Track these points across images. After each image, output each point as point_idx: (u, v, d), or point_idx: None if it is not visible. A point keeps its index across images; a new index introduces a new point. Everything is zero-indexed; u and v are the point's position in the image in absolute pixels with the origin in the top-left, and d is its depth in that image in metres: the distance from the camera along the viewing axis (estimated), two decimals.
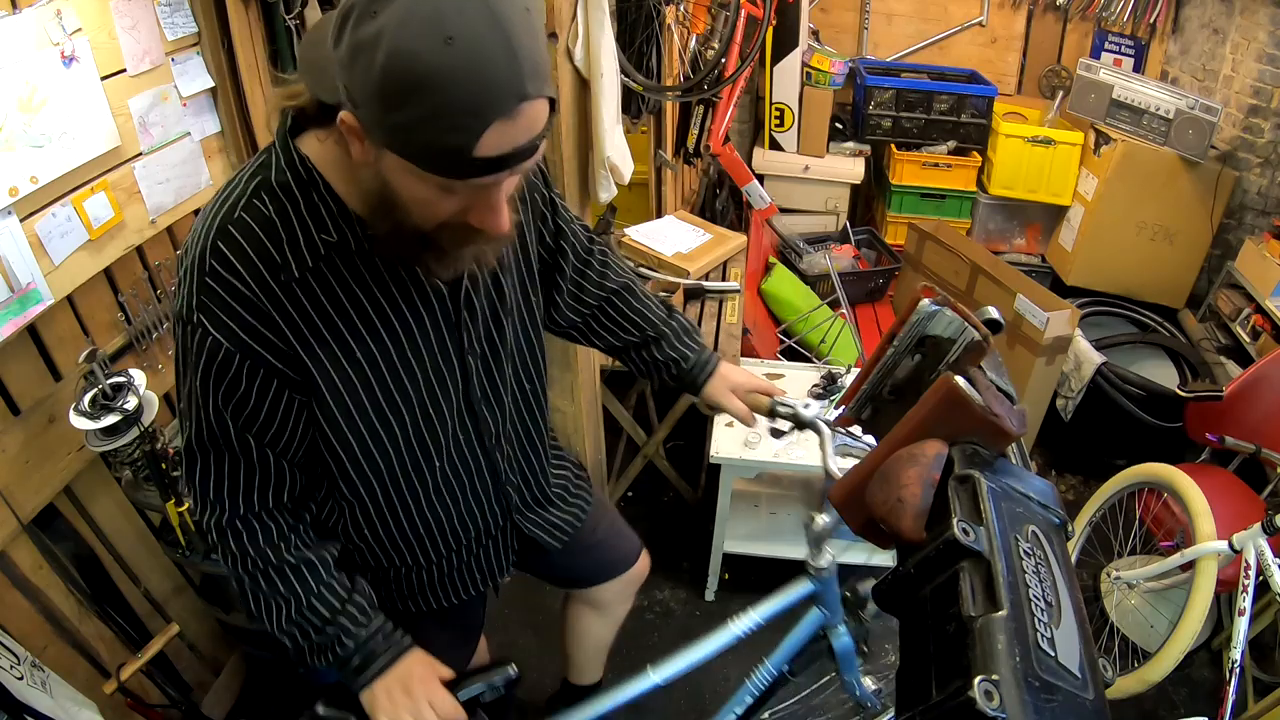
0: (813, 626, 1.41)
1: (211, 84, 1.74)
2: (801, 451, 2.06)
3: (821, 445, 1.28)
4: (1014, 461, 0.79)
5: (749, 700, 1.44)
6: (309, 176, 0.84)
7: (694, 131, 3.03)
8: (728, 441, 2.12)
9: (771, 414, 1.30)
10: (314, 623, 0.98)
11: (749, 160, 3.68)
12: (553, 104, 0.74)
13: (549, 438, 1.28)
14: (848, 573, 1.39)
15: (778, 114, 3.69)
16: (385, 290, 0.92)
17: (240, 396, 0.89)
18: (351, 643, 0.98)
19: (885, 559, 2.11)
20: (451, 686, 1.03)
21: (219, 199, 0.86)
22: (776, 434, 1.30)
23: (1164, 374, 2.97)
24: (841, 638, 1.42)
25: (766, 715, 1.76)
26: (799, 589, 1.37)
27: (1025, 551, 0.63)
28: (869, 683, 1.58)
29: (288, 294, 0.85)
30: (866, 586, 1.35)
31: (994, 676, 0.50)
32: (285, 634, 0.98)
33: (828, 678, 1.57)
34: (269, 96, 0.87)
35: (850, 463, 1.29)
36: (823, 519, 1.32)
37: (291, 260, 0.84)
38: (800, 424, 1.29)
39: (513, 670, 1.08)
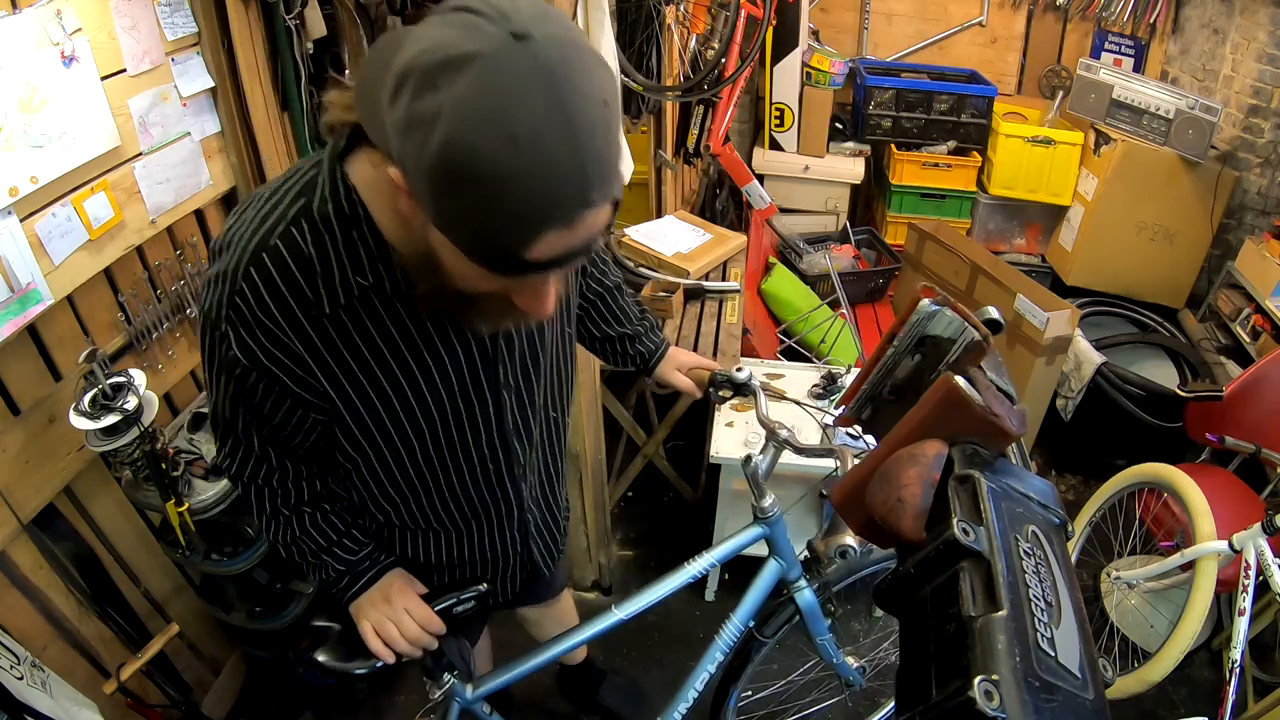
0: (772, 577, 1.47)
1: (211, 84, 1.74)
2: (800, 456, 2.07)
3: (755, 401, 1.41)
4: (1014, 461, 0.78)
5: (719, 656, 1.48)
6: (352, 212, 0.79)
7: (694, 131, 3.03)
8: (728, 441, 2.12)
9: (713, 384, 1.42)
10: (310, 548, 1.07)
11: (749, 160, 3.68)
12: (616, 202, 0.68)
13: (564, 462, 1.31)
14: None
15: (778, 114, 3.69)
16: (419, 327, 0.89)
17: (256, 402, 0.90)
18: (342, 566, 1.09)
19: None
20: (427, 600, 1.14)
21: (262, 209, 0.82)
22: (720, 400, 1.43)
23: (1164, 374, 2.98)
24: (803, 592, 1.48)
25: (750, 694, 1.78)
26: (750, 532, 1.45)
27: (1025, 551, 0.63)
28: (851, 660, 1.61)
29: (316, 327, 0.84)
30: (831, 545, 1.40)
31: (994, 676, 0.50)
32: (283, 547, 1.08)
33: (812, 661, 1.60)
34: (329, 102, 0.77)
35: (850, 462, 1.31)
36: (758, 457, 1.41)
37: (324, 297, 0.82)
38: (736, 388, 1.40)
39: (484, 586, 1.20)
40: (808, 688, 1.88)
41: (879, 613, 2.29)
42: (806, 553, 1.45)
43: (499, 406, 1.02)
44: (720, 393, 1.42)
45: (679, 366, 1.46)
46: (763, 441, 1.43)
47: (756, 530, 1.45)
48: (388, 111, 0.62)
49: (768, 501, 1.43)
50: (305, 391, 0.89)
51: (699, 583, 2.39)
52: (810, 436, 1.99)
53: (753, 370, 1.41)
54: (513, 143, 0.57)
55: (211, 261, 0.85)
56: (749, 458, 1.41)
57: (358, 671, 1.17)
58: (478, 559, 1.22)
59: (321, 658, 1.17)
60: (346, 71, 2.37)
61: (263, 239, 0.80)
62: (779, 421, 1.40)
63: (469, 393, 0.98)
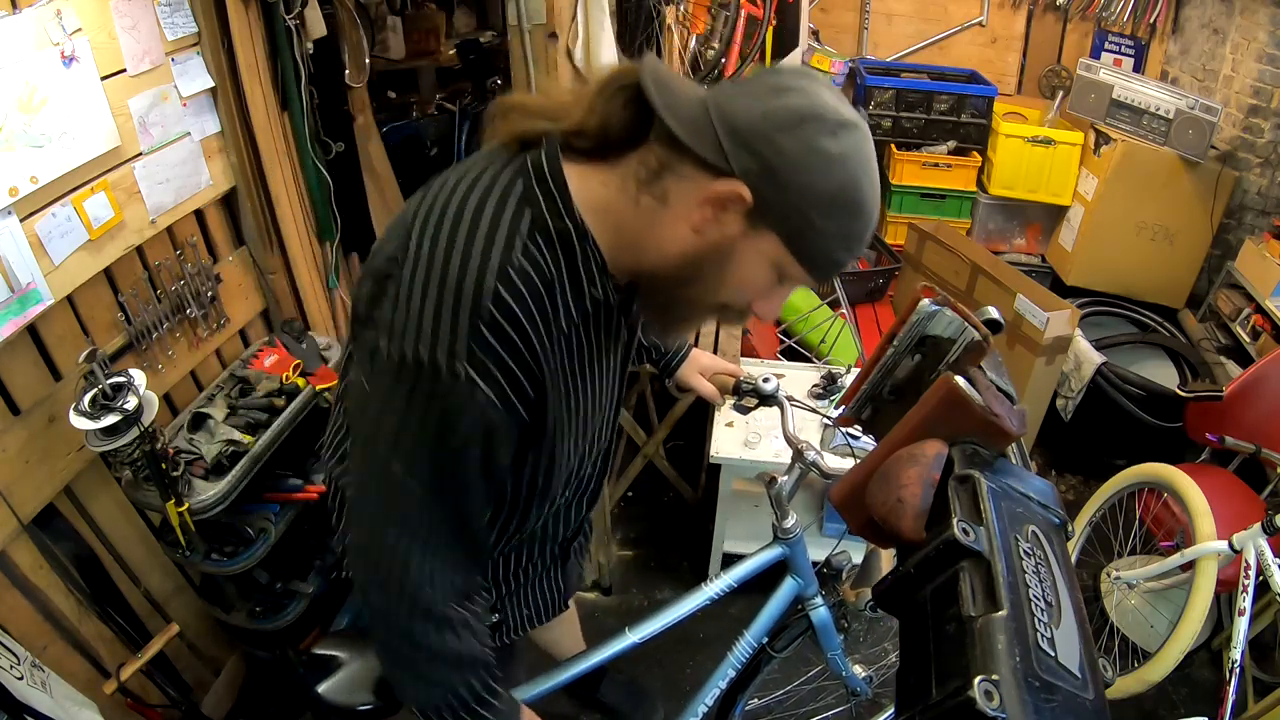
0: (789, 595, 1.45)
1: (211, 84, 1.74)
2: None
3: (783, 417, 1.37)
4: (1014, 461, 0.78)
5: (731, 673, 1.47)
6: (582, 229, 0.79)
7: None
8: (728, 441, 2.12)
9: (736, 391, 1.38)
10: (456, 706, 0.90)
11: None
12: None
13: None
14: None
15: None
16: (610, 339, 0.92)
17: (491, 467, 0.81)
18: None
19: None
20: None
21: (477, 223, 0.75)
22: (743, 410, 1.38)
23: (1164, 374, 2.97)
24: (818, 609, 1.46)
25: (757, 701, 1.78)
26: (769, 553, 1.42)
27: (1025, 551, 0.63)
28: (859, 669, 1.60)
29: (555, 349, 0.80)
30: (841, 559, 1.41)
31: (994, 676, 0.50)
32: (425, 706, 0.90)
33: (818, 668, 1.59)
34: (507, 108, 0.79)
35: (847, 462, 1.31)
36: (783, 479, 1.37)
37: (563, 316, 0.79)
38: (762, 398, 1.37)
39: None
40: (813, 694, 1.88)
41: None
42: (822, 568, 1.44)
43: (616, 405, 1.05)
44: (744, 402, 1.38)
45: (701, 370, 1.42)
46: (788, 461, 1.37)
47: (777, 550, 1.42)
48: (762, 138, 0.73)
49: (790, 522, 1.39)
50: (532, 421, 0.83)
51: (698, 582, 2.40)
52: (810, 435, 1.99)
53: (780, 381, 1.37)
54: (873, 188, 0.77)
55: (413, 300, 0.74)
56: (774, 479, 1.37)
57: (361, 708, 1.08)
58: (547, 555, 1.21)
59: (324, 690, 1.09)
60: (346, 72, 2.38)
61: (503, 258, 0.74)
62: (806, 441, 1.33)
63: (611, 395, 1.00)
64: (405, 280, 0.75)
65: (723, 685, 1.46)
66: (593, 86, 0.81)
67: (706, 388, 1.41)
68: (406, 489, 0.79)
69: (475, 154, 0.86)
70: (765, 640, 1.48)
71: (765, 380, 1.37)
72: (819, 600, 1.46)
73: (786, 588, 1.44)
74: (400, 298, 0.75)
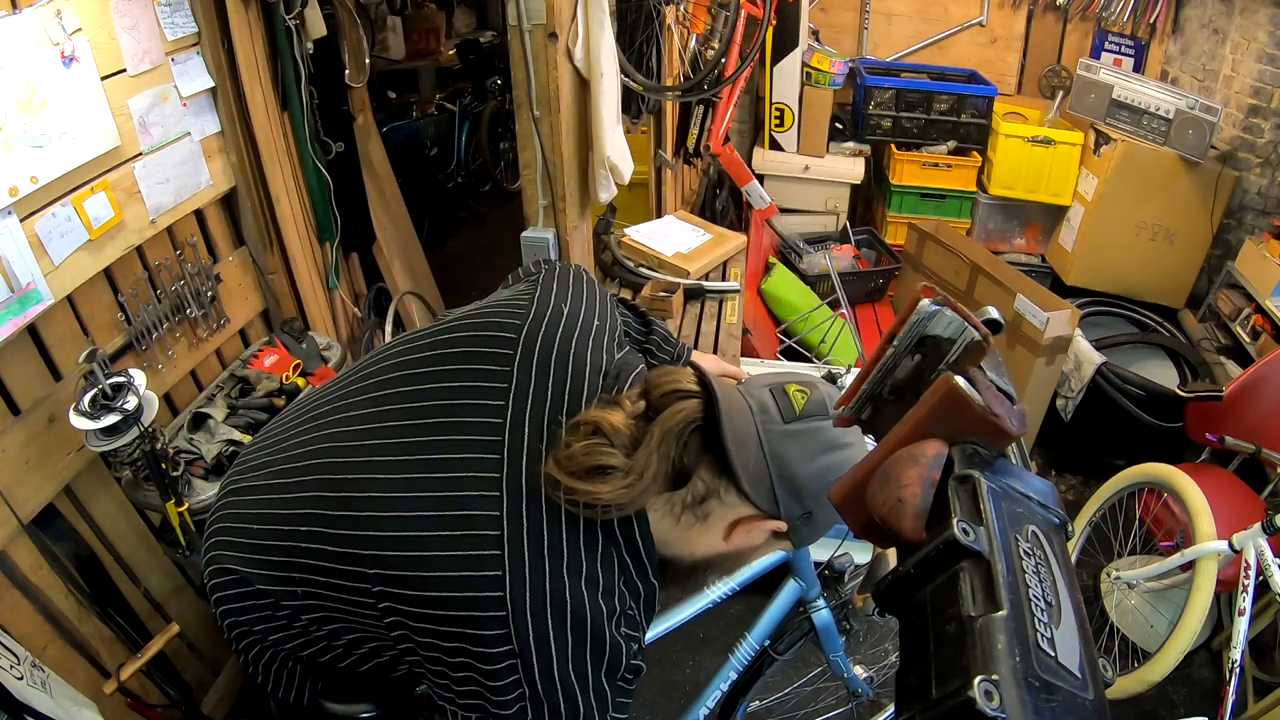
0: (791, 598, 1.45)
1: (211, 84, 1.74)
2: None
3: None
4: (1014, 461, 0.78)
5: (733, 675, 1.47)
6: (658, 581, 0.87)
7: (694, 131, 3.03)
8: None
9: None
10: None
11: (749, 160, 3.68)
12: None
13: None
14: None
15: (778, 114, 3.69)
16: None
17: None
18: None
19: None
20: None
21: (602, 620, 0.79)
22: None
23: (1164, 374, 2.98)
24: (820, 611, 1.46)
25: (758, 703, 1.77)
26: (772, 556, 1.42)
27: (1025, 551, 0.63)
28: (860, 670, 1.59)
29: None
30: (843, 561, 1.40)
31: (994, 676, 0.50)
32: None
33: (819, 669, 1.59)
34: (602, 498, 0.79)
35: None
36: None
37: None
38: None
39: None
40: (813, 695, 1.88)
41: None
42: (824, 570, 1.43)
43: None
44: None
45: None
46: None
47: (780, 554, 1.42)
48: (812, 496, 0.86)
49: None
50: None
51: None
52: None
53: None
54: None
55: (501, 674, 0.77)
56: None
57: (363, 717, 1.05)
58: None
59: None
60: (346, 72, 2.38)
61: (630, 635, 0.82)
62: None
63: None
64: (535, 667, 0.77)
65: (724, 688, 1.46)
66: (663, 432, 0.81)
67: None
68: None
69: (557, 530, 0.81)
70: (767, 643, 1.48)
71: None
72: (821, 603, 1.46)
73: (788, 590, 1.44)
74: (535, 680, 0.77)
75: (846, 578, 1.44)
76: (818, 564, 1.45)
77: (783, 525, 0.87)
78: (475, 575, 0.77)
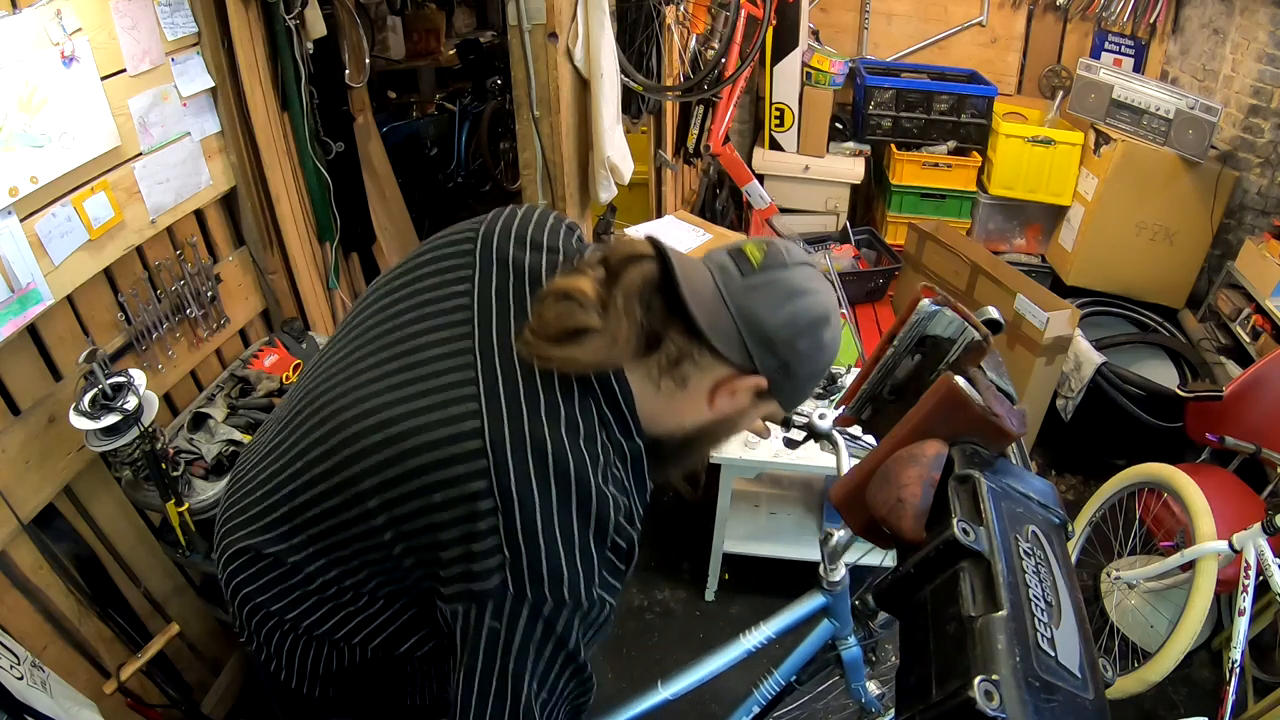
0: (823, 638, 1.41)
1: (211, 84, 1.74)
2: (802, 452, 2.07)
3: (837, 456, 1.28)
4: (1014, 461, 0.78)
5: (756, 710, 1.45)
6: (646, 442, 0.86)
7: (694, 131, 3.03)
8: (728, 441, 2.11)
9: (786, 424, 1.27)
10: None
11: (749, 160, 3.68)
12: None
13: None
14: (860, 578, 1.40)
15: (778, 114, 3.69)
16: None
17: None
18: None
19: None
20: None
21: (586, 470, 0.77)
22: (791, 444, 1.29)
23: (1164, 374, 2.97)
24: (851, 649, 1.43)
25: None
26: (811, 602, 1.38)
27: (1025, 551, 0.63)
28: (873, 687, 1.58)
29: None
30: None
31: (994, 676, 0.50)
32: None
33: (830, 682, 1.58)
34: (573, 360, 0.80)
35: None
36: (840, 534, 1.32)
37: (639, 520, 0.85)
38: (816, 435, 1.28)
39: None
40: (824, 709, 1.87)
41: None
42: (856, 602, 1.40)
43: None
44: (792, 435, 1.29)
45: None
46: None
47: (820, 600, 1.38)
48: (784, 344, 0.85)
49: (838, 575, 1.35)
50: None
51: (699, 583, 2.41)
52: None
53: (833, 417, 1.25)
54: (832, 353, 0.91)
55: (522, 549, 0.75)
56: (829, 534, 1.32)
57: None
58: None
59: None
60: (346, 72, 2.38)
61: (600, 494, 0.78)
62: None
63: None
64: (518, 523, 0.75)
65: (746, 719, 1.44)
66: (624, 294, 0.81)
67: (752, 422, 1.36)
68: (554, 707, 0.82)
69: (525, 384, 0.80)
70: (793, 678, 1.46)
71: (820, 416, 1.25)
72: (852, 640, 1.42)
73: (821, 630, 1.40)
74: (518, 541, 0.75)
75: (880, 614, 1.40)
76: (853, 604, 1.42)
77: (763, 381, 0.86)
78: (455, 431, 0.77)
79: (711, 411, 0.88)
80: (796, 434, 1.29)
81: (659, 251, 0.83)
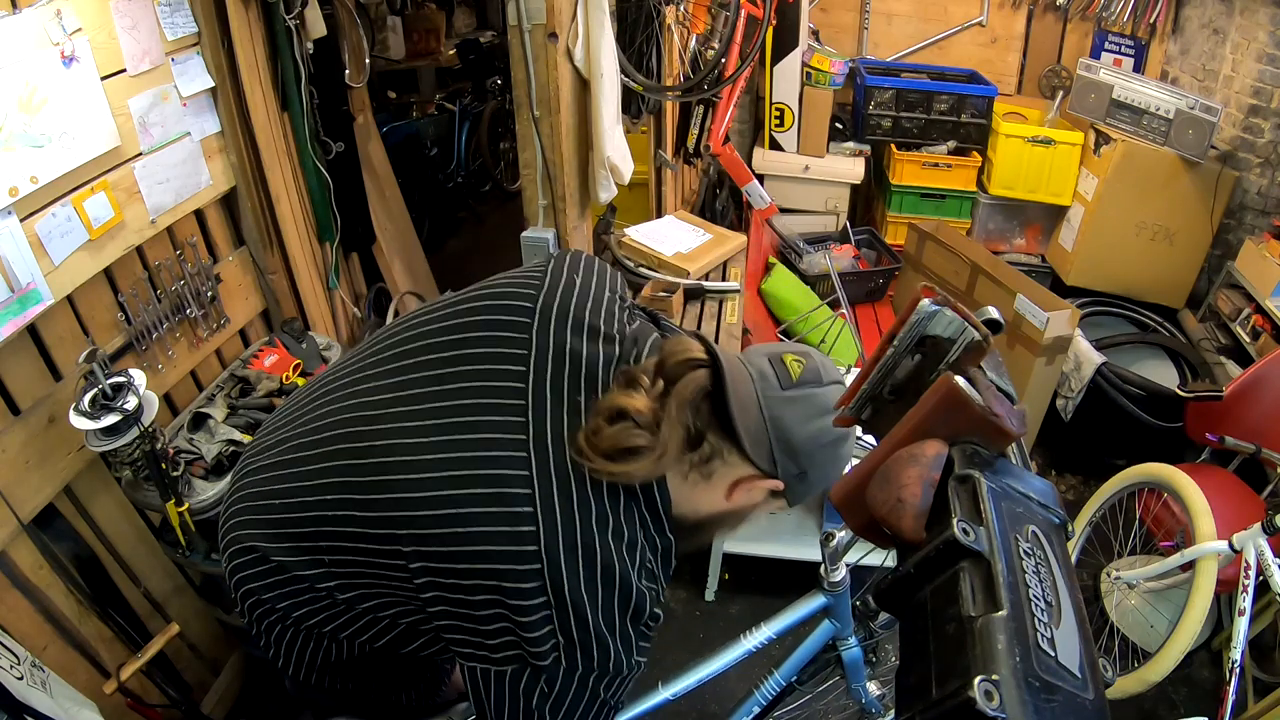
0: (823, 638, 1.42)
1: (211, 84, 1.74)
2: None
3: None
4: (1014, 461, 0.78)
5: (756, 710, 1.45)
6: (674, 536, 0.91)
7: (694, 131, 3.03)
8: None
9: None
10: None
11: (749, 160, 3.68)
12: None
13: None
14: (860, 579, 1.40)
15: (778, 114, 3.69)
16: None
17: None
18: None
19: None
20: None
21: (629, 572, 0.85)
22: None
23: (1164, 374, 2.98)
24: (851, 649, 1.43)
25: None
26: (812, 603, 1.38)
27: (1025, 551, 0.63)
28: (873, 688, 1.58)
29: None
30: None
31: (994, 676, 0.50)
32: None
33: (831, 682, 1.58)
34: (629, 474, 0.85)
35: None
36: (841, 535, 1.33)
37: (664, 593, 0.93)
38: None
39: None
40: (822, 712, 1.87)
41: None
42: (857, 603, 1.41)
43: None
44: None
45: None
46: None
47: (821, 600, 1.38)
48: (806, 456, 0.92)
49: (839, 576, 1.36)
50: None
51: (699, 583, 2.41)
52: None
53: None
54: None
55: (580, 627, 0.83)
56: (830, 534, 1.33)
57: None
58: None
59: None
60: (346, 72, 2.38)
61: (635, 585, 0.86)
62: None
63: None
64: (571, 618, 0.82)
65: None
66: (679, 404, 0.86)
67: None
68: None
69: (587, 497, 0.85)
70: (794, 678, 1.46)
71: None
72: (853, 641, 1.43)
73: (822, 630, 1.41)
74: (571, 631, 0.83)
75: (880, 615, 1.41)
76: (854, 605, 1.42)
77: (779, 484, 0.93)
78: (511, 531, 0.82)
79: (728, 504, 0.95)
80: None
81: (712, 356, 0.89)
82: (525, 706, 0.85)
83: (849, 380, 1.01)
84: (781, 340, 3.09)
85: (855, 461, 1.20)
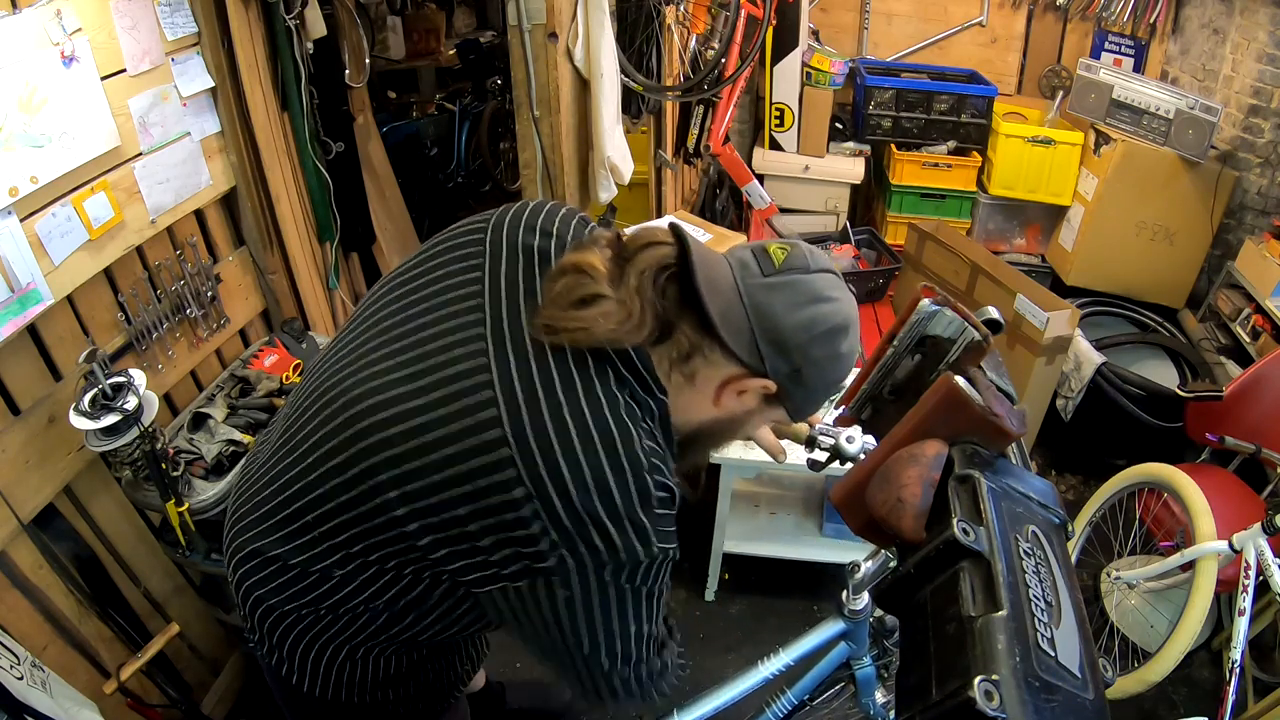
0: (839, 659, 1.42)
1: (211, 84, 1.74)
2: (801, 452, 2.06)
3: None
4: (1014, 461, 0.78)
5: None
6: (669, 418, 0.85)
7: (694, 131, 3.03)
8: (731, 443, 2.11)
9: (810, 444, 1.19)
10: None
11: (749, 160, 3.68)
12: None
13: None
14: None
15: (778, 114, 3.69)
16: None
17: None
18: None
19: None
20: None
21: (614, 437, 0.77)
22: (815, 465, 1.21)
23: (1164, 374, 2.97)
24: (865, 668, 1.43)
25: None
26: (831, 628, 1.38)
27: (1025, 551, 0.63)
28: (879, 695, 1.57)
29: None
30: (895, 618, 1.31)
31: (994, 676, 0.50)
32: None
33: (837, 688, 1.58)
34: (582, 328, 0.78)
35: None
36: (866, 565, 1.31)
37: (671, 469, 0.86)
38: (842, 458, 1.19)
39: None
40: (828, 717, 1.87)
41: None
42: (872, 621, 1.40)
43: None
44: (814, 457, 1.20)
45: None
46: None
47: (840, 626, 1.37)
48: (798, 349, 0.83)
49: (860, 605, 1.34)
50: None
51: (699, 583, 2.41)
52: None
53: (866, 440, 1.15)
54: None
55: (585, 524, 0.76)
56: (856, 565, 1.30)
57: None
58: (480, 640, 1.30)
59: None
60: (346, 72, 2.38)
61: (636, 460, 0.78)
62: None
63: None
64: (558, 506, 0.76)
65: None
66: (638, 273, 0.80)
67: (768, 438, 1.21)
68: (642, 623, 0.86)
69: (554, 369, 0.79)
70: (806, 696, 1.46)
71: (849, 439, 1.15)
72: (867, 660, 1.42)
73: (838, 652, 1.41)
74: (563, 522, 0.76)
75: (896, 634, 1.41)
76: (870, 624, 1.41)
77: (771, 384, 0.84)
78: (473, 423, 0.76)
79: (717, 409, 0.87)
80: (820, 455, 1.20)
81: (677, 237, 0.81)
82: (556, 619, 0.80)
83: (849, 381, 1.00)
84: None
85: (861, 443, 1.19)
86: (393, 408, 0.80)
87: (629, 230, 0.87)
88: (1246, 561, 1.83)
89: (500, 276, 0.85)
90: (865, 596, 1.33)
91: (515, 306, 0.82)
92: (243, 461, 1.03)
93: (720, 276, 0.82)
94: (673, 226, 0.84)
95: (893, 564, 1.23)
